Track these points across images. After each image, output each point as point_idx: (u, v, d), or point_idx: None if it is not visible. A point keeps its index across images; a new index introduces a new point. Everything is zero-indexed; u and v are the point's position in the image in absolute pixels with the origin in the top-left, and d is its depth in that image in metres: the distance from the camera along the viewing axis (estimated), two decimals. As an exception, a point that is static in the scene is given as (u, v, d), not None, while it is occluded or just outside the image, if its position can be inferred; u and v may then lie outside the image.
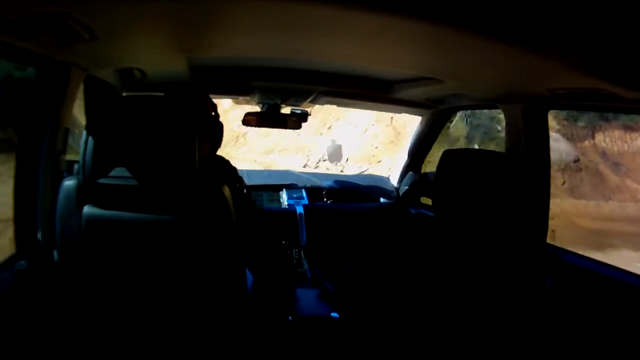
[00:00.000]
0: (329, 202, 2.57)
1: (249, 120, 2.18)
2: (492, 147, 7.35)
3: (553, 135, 7.25)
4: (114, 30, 1.07)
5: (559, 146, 7.84)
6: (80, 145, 1.12)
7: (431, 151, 2.57)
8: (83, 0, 0.86)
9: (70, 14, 0.91)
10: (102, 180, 1.10)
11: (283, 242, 2.29)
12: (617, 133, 8.58)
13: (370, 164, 8.62)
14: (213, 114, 1.50)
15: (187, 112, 1.15)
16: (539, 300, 1.24)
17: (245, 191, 1.75)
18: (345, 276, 2.17)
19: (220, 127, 1.54)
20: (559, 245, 1.73)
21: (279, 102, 2.15)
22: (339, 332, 1.63)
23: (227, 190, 1.19)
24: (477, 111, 7.44)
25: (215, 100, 1.55)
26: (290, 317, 1.68)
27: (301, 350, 1.63)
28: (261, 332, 1.39)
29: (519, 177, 1.21)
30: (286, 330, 1.66)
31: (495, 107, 1.90)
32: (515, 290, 1.22)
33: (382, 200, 2.63)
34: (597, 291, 1.46)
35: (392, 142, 8.81)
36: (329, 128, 9.46)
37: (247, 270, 1.32)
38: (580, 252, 1.64)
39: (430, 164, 2.64)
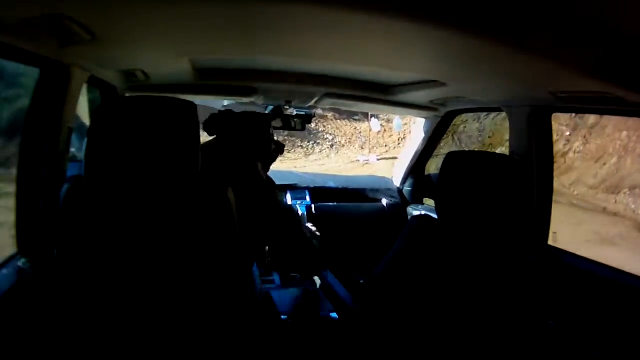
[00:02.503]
0: (331, 202, 2.57)
1: None
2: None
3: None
4: (115, 33, 1.07)
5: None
6: (83, 145, 1.12)
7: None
8: (81, 2, 0.86)
9: (69, 16, 0.91)
10: (104, 180, 1.11)
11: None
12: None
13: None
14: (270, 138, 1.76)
15: (192, 114, 1.14)
16: (540, 302, 1.24)
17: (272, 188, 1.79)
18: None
19: (277, 149, 1.83)
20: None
21: (283, 104, 2.16)
22: (339, 332, 1.62)
23: (231, 194, 1.19)
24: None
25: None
26: (289, 318, 1.68)
27: (301, 350, 1.63)
28: (261, 333, 1.38)
29: (522, 180, 1.21)
30: (286, 330, 1.66)
31: (500, 111, 1.90)
32: (517, 292, 1.22)
33: (384, 201, 2.63)
34: (597, 293, 1.46)
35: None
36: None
37: (252, 272, 1.32)
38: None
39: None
